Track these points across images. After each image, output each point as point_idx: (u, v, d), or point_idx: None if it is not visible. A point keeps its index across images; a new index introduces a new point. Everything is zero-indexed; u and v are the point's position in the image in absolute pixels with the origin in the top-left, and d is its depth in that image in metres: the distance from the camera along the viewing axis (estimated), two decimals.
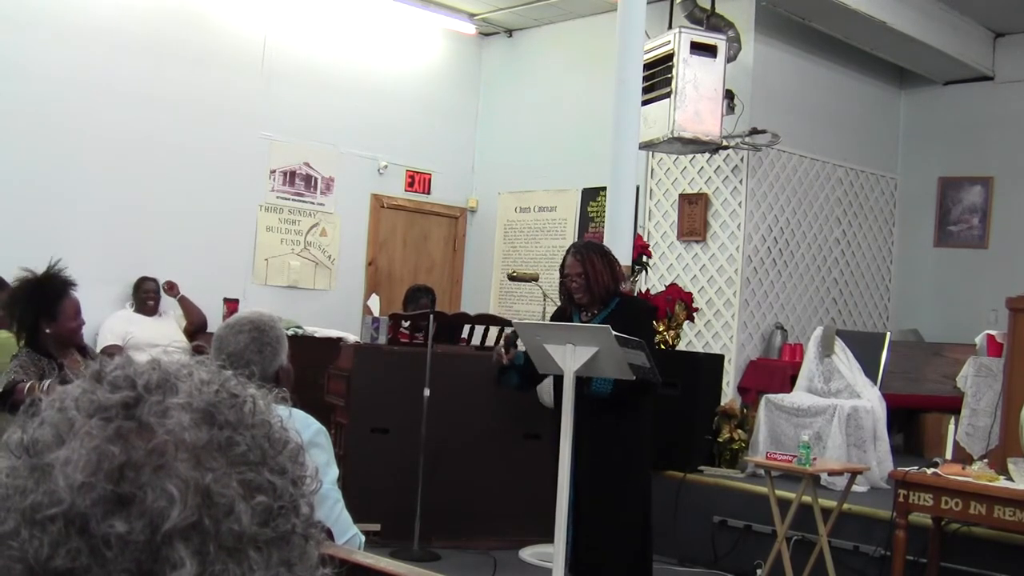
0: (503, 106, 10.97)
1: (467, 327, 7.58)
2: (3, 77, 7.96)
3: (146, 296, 8.30)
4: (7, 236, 7.57)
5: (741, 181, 8.93)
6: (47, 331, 4.69)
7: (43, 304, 4.71)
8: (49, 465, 0.77)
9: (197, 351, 6.90)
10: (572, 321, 5.45)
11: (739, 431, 7.38)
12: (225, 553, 0.78)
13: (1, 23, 7.98)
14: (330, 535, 3.08)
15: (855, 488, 6.19)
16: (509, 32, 11.02)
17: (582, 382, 5.18)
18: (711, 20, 8.55)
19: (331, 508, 3.23)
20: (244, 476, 0.81)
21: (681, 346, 7.89)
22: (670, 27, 8.42)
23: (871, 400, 7.31)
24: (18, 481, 0.78)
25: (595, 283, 5.34)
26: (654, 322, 5.73)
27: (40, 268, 4.79)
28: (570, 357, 5.82)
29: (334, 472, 3.36)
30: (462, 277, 11.11)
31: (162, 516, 0.75)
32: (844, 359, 7.61)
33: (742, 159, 8.88)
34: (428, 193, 10.84)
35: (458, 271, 11.10)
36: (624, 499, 5.28)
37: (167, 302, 8.46)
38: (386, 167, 10.43)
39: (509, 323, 7.40)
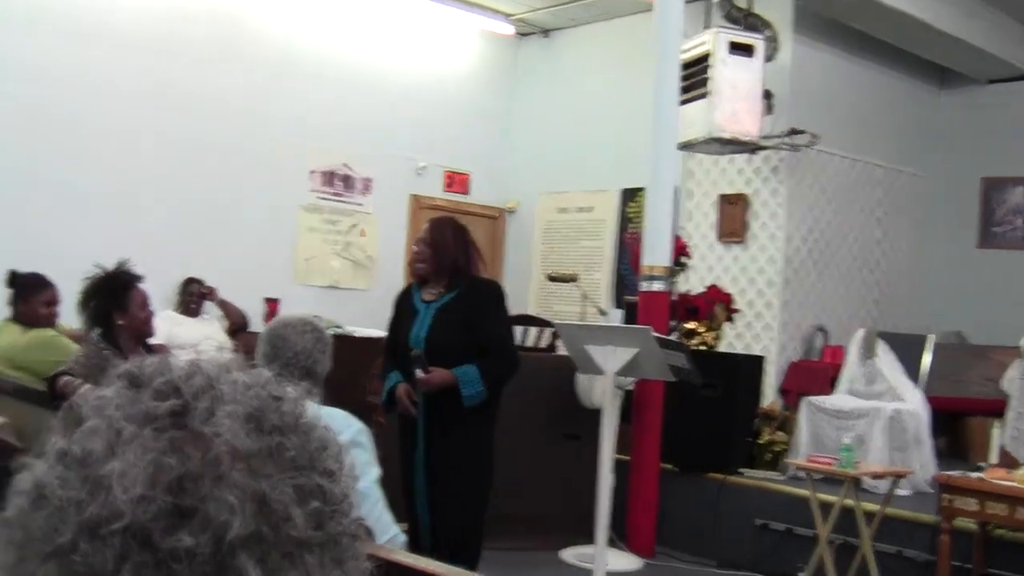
0: (541, 106, 10.97)
1: None
2: (56, 84, 8.03)
3: (190, 298, 8.35)
4: (58, 238, 7.66)
5: (780, 182, 8.88)
6: (120, 323, 4.81)
7: (113, 296, 4.83)
8: (104, 477, 0.76)
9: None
10: (412, 298, 5.23)
11: (780, 433, 7.35)
12: (284, 559, 0.78)
13: (54, 32, 8.05)
14: (371, 534, 3.09)
15: (898, 492, 6.15)
16: (546, 32, 11.02)
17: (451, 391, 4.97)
18: (748, 20, 8.51)
19: (372, 507, 3.24)
20: (296, 481, 0.80)
21: (721, 348, 7.85)
22: (707, 27, 8.39)
23: (914, 403, 7.26)
24: (71, 493, 0.77)
25: (441, 256, 5.14)
26: (504, 302, 5.34)
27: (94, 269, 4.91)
28: (610, 358, 5.83)
29: (375, 471, 3.37)
30: (501, 277, 11.11)
31: (224, 527, 0.75)
32: (886, 361, 7.55)
33: (781, 159, 8.83)
34: (467, 194, 10.86)
35: (497, 272, 11.08)
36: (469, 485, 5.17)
37: (210, 303, 8.53)
38: (424, 168, 10.46)
39: (549, 324, 7.42)
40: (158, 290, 7.97)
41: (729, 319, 7.75)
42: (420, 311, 5.14)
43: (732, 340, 8.72)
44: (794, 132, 8.56)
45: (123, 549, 0.74)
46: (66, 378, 4.52)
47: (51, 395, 4.54)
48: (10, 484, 0.82)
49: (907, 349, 7.75)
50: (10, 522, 0.79)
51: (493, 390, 5.07)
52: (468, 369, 4.95)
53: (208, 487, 0.76)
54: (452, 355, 4.95)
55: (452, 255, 5.13)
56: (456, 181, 10.78)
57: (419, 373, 4.95)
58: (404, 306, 5.28)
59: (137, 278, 4.95)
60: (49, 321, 6.00)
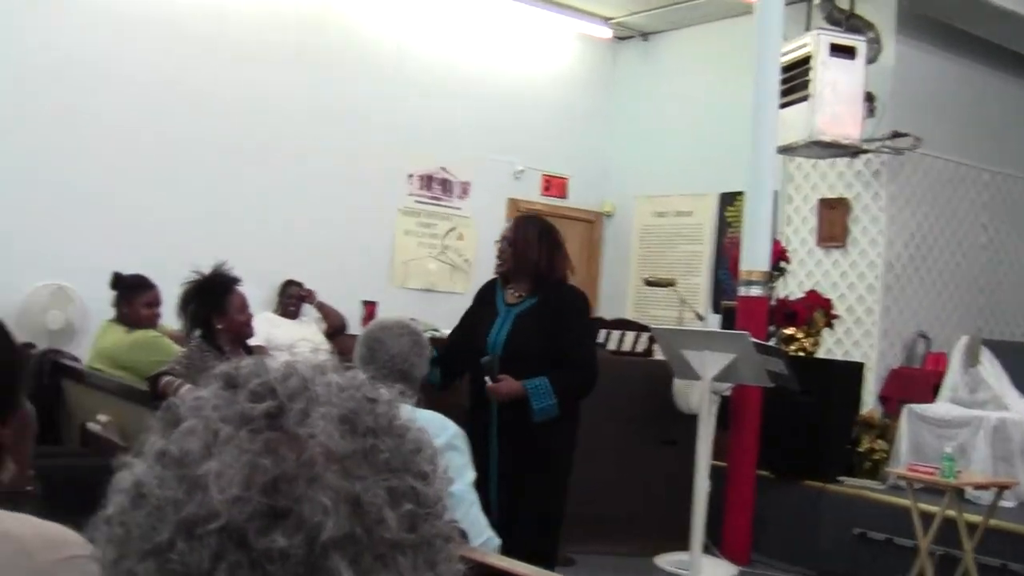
0: (639, 110, 10.94)
1: (603, 332, 7.57)
2: (162, 90, 8.20)
3: (289, 300, 8.47)
4: (161, 241, 7.81)
5: (882, 185, 8.73)
6: (219, 326, 4.91)
7: (212, 299, 4.93)
8: (201, 477, 0.77)
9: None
10: (496, 297, 5.04)
11: (879, 441, 7.24)
12: (377, 561, 0.78)
13: (161, 40, 8.23)
14: (465, 537, 3.10)
15: (1002, 503, 6.01)
16: (645, 36, 10.98)
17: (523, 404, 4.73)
18: (850, 21, 8.40)
19: (467, 510, 3.25)
20: (390, 483, 0.81)
21: (820, 354, 7.75)
22: (808, 29, 8.30)
23: (1020, 412, 7.10)
24: (169, 492, 0.78)
25: (521, 255, 4.92)
26: (587, 312, 5.10)
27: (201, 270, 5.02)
28: (708, 363, 5.80)
29: (471, 475, 3.38)
30: (598, 282, 11.10)
31: (318, 528, 0.76)
32: (991, 369, 7.40)
33: (883, 163, 8.68)
34: (564, 197, 10.86)
35: (594, 276, 11.08)
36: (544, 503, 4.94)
37: (308, 305, 8.64)
38: (522, 171, 10.48)
39: (646, 328, 7.39)
40: (258, 292, 8.12)
41: (828, 325, 7.65)
42: (500, 314, 4.95)
43: (831, 346, 8.59)
44: (896, 135, 8.42)
45: (218, 549, 0.75)
46: (167, 378, 4.62)
47: (152, 395, 4.63)
48: (111, 482, 0.83)
49: (1014, 358, 7.59)
50: (111, 520, 0.81)
51: (566, 403, 4.80)
52: (539, 382, 4.71)
53: (302, 488, 0.77)
54: (530, 364, 4.74)
55: (534, 257, 4.91)
56: (554, 185, 10.79)
57: (488, 381, 4.77)
58: (485, 303, 5.09)
59: (235, 281, 5.03)
60: (151, 322, 6.13)
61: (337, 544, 0.76)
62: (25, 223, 7.61)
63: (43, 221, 7.68)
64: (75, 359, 6.59)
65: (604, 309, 10.36)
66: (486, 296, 5.13)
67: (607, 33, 10.82)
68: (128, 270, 6.42)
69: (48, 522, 1.71)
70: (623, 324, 7.77)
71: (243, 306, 5.07)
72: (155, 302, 6.24)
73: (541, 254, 4.91)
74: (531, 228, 5.02)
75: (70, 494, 1.77)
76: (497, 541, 3.35)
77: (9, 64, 7.59)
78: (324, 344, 8.11)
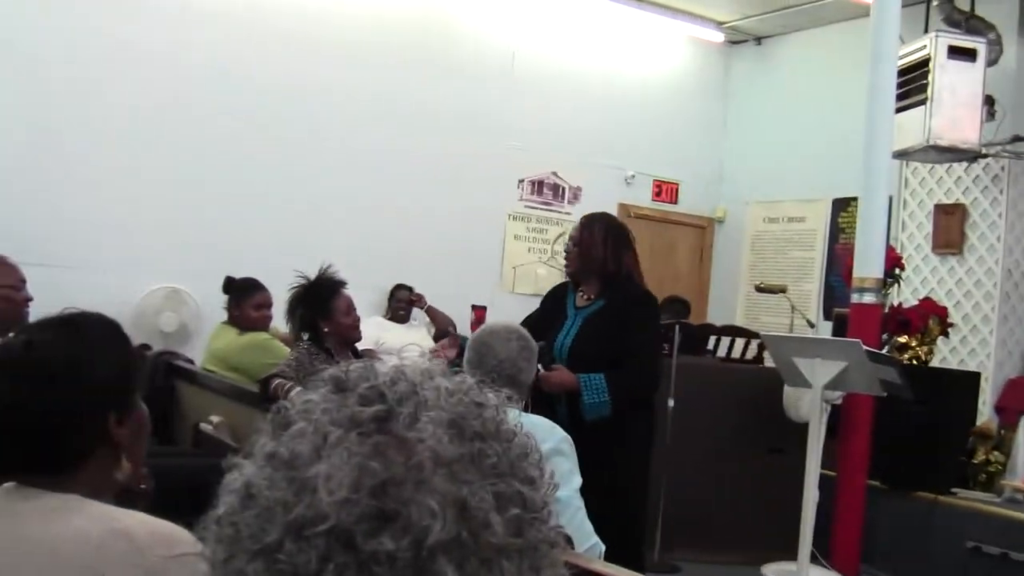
0: (751, 114, 10.85)
1: (713, 338, 7.53)
2: (275, 95, 8.37)
3: (398, 304, 8.57)
4: (276, 244, 7.96)
5: (1001, 191, 8.53)
6: (325, 330, 4.99)
7: (317, 303, 5.02)
8: (310, 479, 0.79)
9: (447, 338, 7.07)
10: (567, 300, 4.93)
11: (995, 453, 7.07)
12: (483, 565, 0.79)
13: (275, 45, 8.39)
14: (570, 543, 3.11)
15: None
16: (758, 40, 10.89)
17: (575, 402, 4.59)
18: (970, 23, 8.22)
19: (572, 516, 3.25)
20: (496, 487, 0.82)
21: (934, 363, 7.60)
22: (926, 31, 8.14)
23: None
24: (278, 493, 0.80)
25: (586, 255, 4.80)
26: (656, 314, 4.91)
27: (310, 274, 5.11)
28: (819, 371, 5.73)
29: (577, 481, 3.38)
30: (708, 288, 11.03)
31: (425, 532, 0.77)
32: None
33: (1003, 168, 8.48)
34: (675, 203, 10.82)
35: (704, 282, 11.01)
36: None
37: (417, 310, 8.72)
38: (633, 177, 10.47)
39: (756, 335, 7.33)
40: (368, 296, 8.24)
41: (943, 333, 7.50)
42: (570, 317, 4.85)
43: (946, 355, 8.43)
44: (1017, 139, 8.22)
45: (326, 550, 0.77)
46: (278, 381, 4.70)
47: (263, 396, 4.71)
48: (222, 482, 0.86)
49: None
50: (221, 520, 0.83)
51: (619, 405, 4.57)
52: (595, 377, 4.54)
53: (410, 492, 0.79)
54: (595, 367, 4.59)
55: (599, 257, 4.78)
56: (664, 190, 10.75)
57: (539, 369, 4.53)
58: (555, 306, 4.99)
59: (340, 284, 5.10)
60: (262, 324, 6.24)
61: (444, 548, 0.77)
62: (141, 226, 7.81)
63: (159, 224, 7.87)
64: (189, 361, 6.72)
65: (714, 315, 10.30)
66: (554, 299, 5.05)
67: (719, 37, 10.75)
68: (242, 274, 6.54)
69: (160, 520, 1.76)
70: (733, 331, 7.72)
71: (349, 309, 5.13)
72: (265, 304, 6.34)
73: (607, 254, 4.78)
74: (597, 227, 4.88)
75: (182, 493, 1.82)
76: (602, 547, 3.35)
77: (129, 69, 7.79)
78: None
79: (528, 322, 4.94)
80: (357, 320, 5.24)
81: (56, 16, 7.54)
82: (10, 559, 1.76)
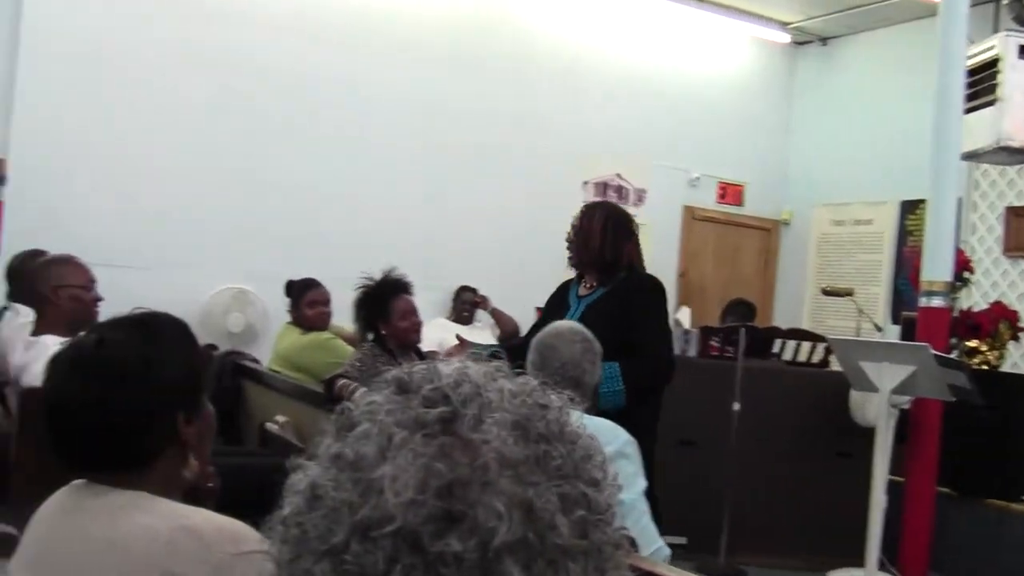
0: (817, 116, 10.76)
1: (778, 342, 7.47)
2: (340, 95, 8.44)
3: (463, 306, 8.59)
4: (343, 247, 8.02)
5: None
6: (383, 332, 5.04)
7: (377, 305, 5.07)
8: (376, 481, 0.80)
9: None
10: (569, 291, 4.82)
11: None
12: (548, 567, 0.79)
13: (343, 45, 8.46)
14: (635, 546, 3.10)
15: None
16: (824, 40, 10.80)
17: None
18: None
19: (637, 519, 3.24)
20: (561, 489, 0.82)
21: (1005, 367, 7.49)
22: (995, 31, 8.03)
23: None
24: (344, 495, 0.81)
25: (584, 244, 4.67)
26: (661, 299, 4.68)
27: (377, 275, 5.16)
28: (886, 375, 5.67)
29: (641, 484, 3.37)
30: (774, 291, 10.95)
31: (491, 533, 0.77)
32: None
33: None
34: (740, 205, 10.76)
35: (770, 285, 10.94)
36: None
37: (482, 311, 8.74)
38: (698, 179, 10.42)
39: (822, 338, 7.27)
40: (433, 297, 8.27)
41: (1014, 338, 7.38)
42: (571, 306, 4.72)
43: (1017, 360, 8.30)
44: None
45: (393, 551, 0.77)
46: (342, 381, 4.74)
47: (327, 397, 4.75)
48: (287, 482, 0.87)
49: None
50: (287, 520, 0.84)
51: (634, 394, 4.40)
52: (609, 365, 4.23)
53: (477, 493, 0.79)
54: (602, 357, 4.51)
55: (596, 245, 4.65)
56: (729, 192, 10.69)
57: None
58: (557, 299, 4.90)
59: (400, 287, 5.14)
60: (319, 321, 6.29)
61: (510, 549, 0.77)
62: (209, 227, 7.91)
63: (227, 225, 7.96)
64: (255, 361, 6.79)
65: (780, 318, 10.23)
66: (558, 293, 4.96)
67: (785, 38, 10.68)
68: (309, 275, 6.60)
69: (227, 518, 1.78)
70: (799, 334, 7.66)
71: (406, 312, 5.17)
72: (319, 301, 6.39)
73: (605, 242, 4.64)
74: (596, 215, 4.76)
75: (248, 492, 1.84)
76: (667, 551, 3.34)
77: (195, 71, 7.89)
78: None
79: (537, 323, 4.98)
80: (416, 324, 5.26)
81: (123, 18, 7.65)
82: (79, 555, 1.79)
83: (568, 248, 4.79)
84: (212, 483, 2.30)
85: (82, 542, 1.79)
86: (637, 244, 4.83)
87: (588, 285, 4.74)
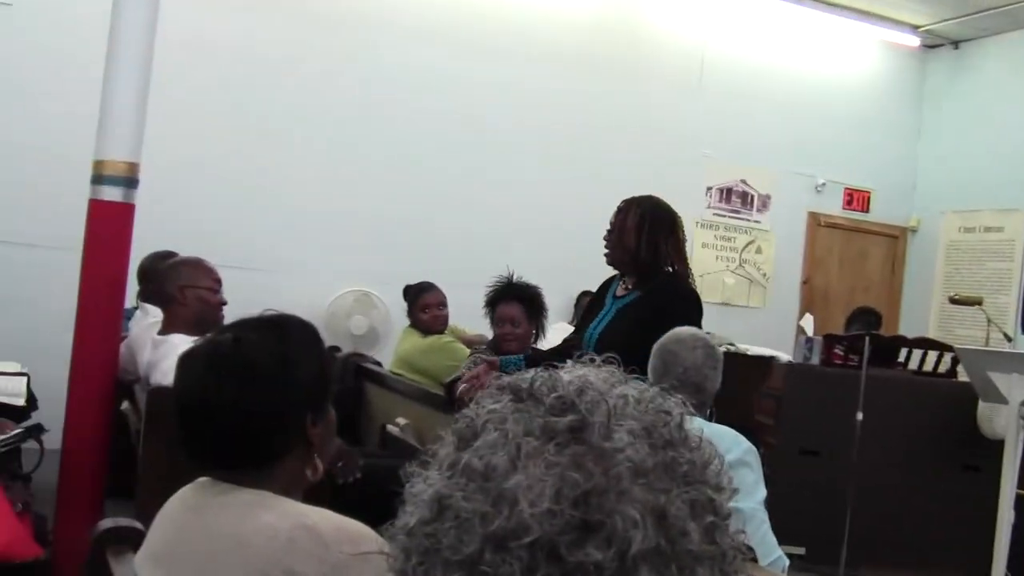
0: (947, 121, 10.55)
1: (904, 351, 7.35)
2: (456, 100, 8.53)
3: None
4: (468, 251, 8.11)
5: None
6: (490, 337, 5.10)
7: (490, 310, 5.16)
8: (508, 491, 0.80)
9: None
10: (608, 290, 4.60)
11: None
12: (680, 573, 0.80)
13: (454, 49, 8.56)
14: (754, 555, 3.09)
15: None
16: (955, 44, 10.58)
17: None
18: None
19: (757, 528, 3.22)
20: (690, 495, 0.82)
21: None
22: None
23: None
24: (475, 505, 0.81)
25: (618, 242, 4.42)
26: (695, 314, 4.31)
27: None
28: (1016, 387, 5.55)
29: (762, 493, 3.35)
30: (900, 299, 10.77)
31: (628, 542, 0.78)
32: None
33: None
34: (867, 211, 10.61)
35: (896, 292, 10.76)
36: None
37: None
38: (824, 185, 10.30)
39: (950, 348, 7.14)
40: (554, 301, 8.25)
41: None
42: (606, 306, 4.53)
43: None
44: None
45: (531, 562, 0.77)
46: (464, 385, 4.78)
47: (448, 400, 4.80)
48: (407, 490, 0.88)
49: None
50: (414, 530, 0.85)
51: None
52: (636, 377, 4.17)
53: (613, 502, 0.79)
54: (625, 361, 4.20)
55: (631, 245, 4.40)
56: (856, 199, 10.55)
57: None
58: (598, 297, 4.69)
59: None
60: (435, 324, 6.35)
61: (645, 557, 0.78)
62: (334, 231, 8.06)
63: (351, 229, 8.11)
64: (377, 363, 6.87)
65: (905, 327, 10.05)
66: (599, 292, 4.76)
67: (915, 41, 10.50)
68: (432, 279, 6.69)
69: (347, 518, 1.81)
70: (926, 343, 7.52)
71: (503, 319, 5.25)
72: (433, 304, 6.45)
73: (640, 242, 4.37)
74: (632, 213, 4.49)
75: (368, 492, 1.87)
76: (786, 561, 3.32)
77: (322, 81, 8.06)
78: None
79: (578, 324, 4.85)
80: (506, 334, 5.31)
81: (254, 25, 7.85)
82: (202, 551, 1.85)
83: (605, 246, 4.54)
84: (352, 478, 2.32)
85: (206, 538, 1.85)
86: (679, 245, 4.51)
87: (625, 286, 4.51)
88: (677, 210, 9.25)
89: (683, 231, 4.55)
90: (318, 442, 1.99)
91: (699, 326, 4.20)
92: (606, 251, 4.53)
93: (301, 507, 1.85)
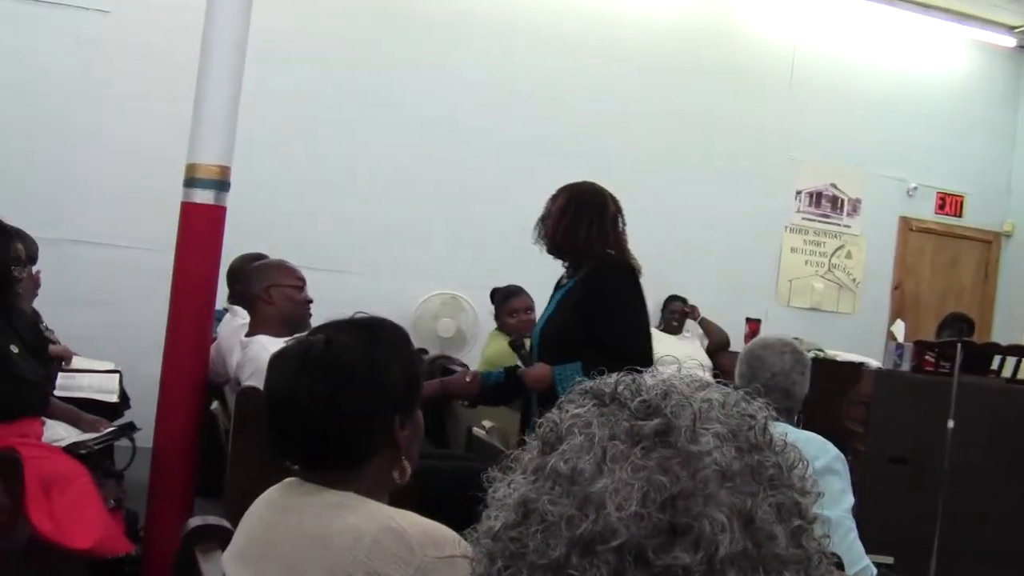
0: None
1: (998, 358, 7.22)
2: (541, 105, 8.56)
3: (671, 316, 8.58)
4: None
5: None
6: None
7: None
8: (594, 494, 0.80)
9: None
10: (559, 283, 4.43)
11: None
12: None
13: (537, 53, 8.60)
14: (840, 564, 3.06)
15: None
16: None
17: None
18: None
19: (843, 536, 3.20)
20: (776, 499, 0.83)
21: None
22: None
23: None
24: (561, 509, 0.81)
25: (549, 228, 4.28)
26: (628, 287, 4.14)
27: None
28: None
29: (849, 500, 3.32)
30: (994, 305, 10.57)
31: (715, 545, 0.78)
32: None
33: None
34: (960, 216, 10.42)
35: (990, 299, 10.56)
36: None
37: (691, 321, 8.70)
38: (915, 189, 10.15)
39: None
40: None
41: None
42: (551, 299, 4.42)
43: None
44: None
45: (618, 565, 0.77)
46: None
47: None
48: (490, 494, 0.88)
49: None
50: (499, 534, 0.85)
51: None
52: (571, 367, 3.97)
53: (700, 505, 0.79)
54: (565, 350, 4.07)
55: (552, 228, 4.28)
56: (949, 203, 10.37)
57: (520, 367, 4.22)
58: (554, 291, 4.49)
59: None
60: (522, 328, 6.36)
61: (733, 560, 0.78)
62: (422, 234, 8.12)
63: (439, 233, 8.16)
64: (463, 365, 6.90)
65: (999, 334, 9.87)
66: (556, 285, 4.54)
67: (1011, 42, 10.29)
68: (521, 282, 6.69)
69: (431, 521, 1.83)
70: (1019, 350, 7.38)
71: None
72: (520, 308, 6.46)
73: (560, 225, 4.25)
74: (561, 197, 4.38)
75: (453, 495, 1.88)
76: (874, 570, 3.28)
77: (408, 85, 8.13)
78: (706, 361, 8.15)
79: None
80: None
81: (346, 31, 7.94)
82: (288, 550, 1.87)
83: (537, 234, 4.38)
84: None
85: (292, 538, 1.87)
86: (608, 227, 4.31)
87: (567, 276, 4.38)
88: (766, 214, 9.22)
89: (616, 213, 4.40)
90: (405, 444, 2.01)
91: (639, 299, 4.18)
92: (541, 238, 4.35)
93: (386, 509, 1.87)
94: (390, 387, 1.97)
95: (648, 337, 4.20)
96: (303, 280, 4.68)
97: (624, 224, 4.43)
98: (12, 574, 4.04)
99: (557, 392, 3.90)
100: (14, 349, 4.11)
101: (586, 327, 4.05)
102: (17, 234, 4.30)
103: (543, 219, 4.36)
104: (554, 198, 4.40)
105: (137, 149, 7.35)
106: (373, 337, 2.00)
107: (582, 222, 4.24)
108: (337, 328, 2.01)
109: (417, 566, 1.74)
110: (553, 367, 4.07)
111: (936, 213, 10.34)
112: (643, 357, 3.88)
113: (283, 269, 4.71)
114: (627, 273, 4.21)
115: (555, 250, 4.32)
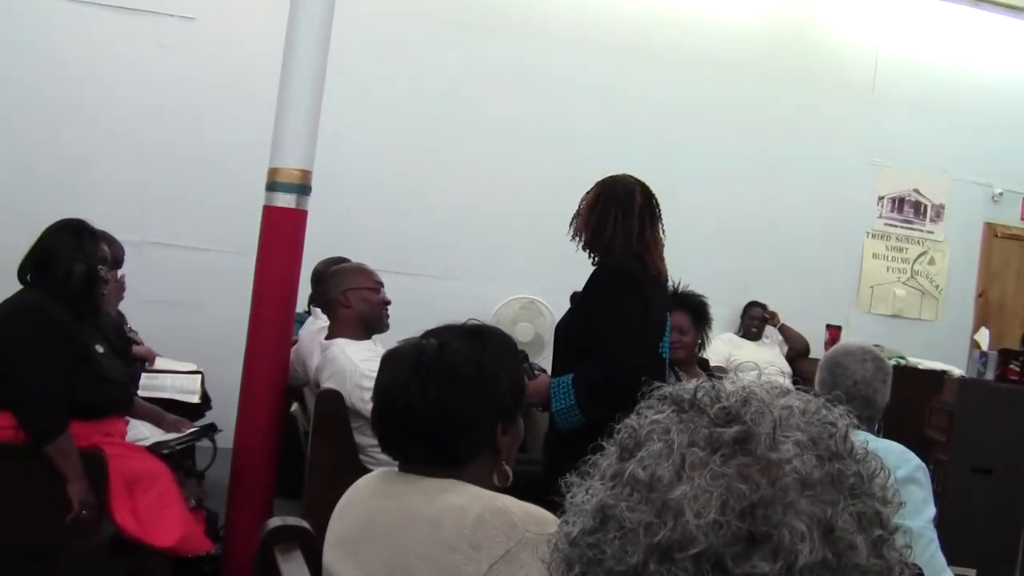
0: None
1: None
2: (620, 109, 8.54)
3: (751, 322, 8.52)
4: None
5: None
6: None
7: None
8: (673, 501, 0.80)
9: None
10: None
11: None
12: None
13: (621, 56, 8.58)
14: (921, 574, 3.02)
15: None
16: None
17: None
18: None
19: (924, 547, 3.16)
20: (857, 508, 0.82)
21: None
22: None
23: None
24: (639, 516, 0.80)
25: (579, 223, 4.18)
26: (623, 289, 3.86)
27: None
28: None
29: (930, 511, 3.28)
30: None
31: (795, 555, 0.77)
32: None
33: None
34: None
35: None
36: None
37: (770, 327, 8.63)
38: (1001, 194, 9.96)
39: None
40: (721, 312, 8.21)
41: None
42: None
43: None
44: None
45: (696, 573, 0.77)
46: None
47: None
48: (569, 500, 0.89)
49: None
50: (576, 540, 0.85)
51: (588, 407, 3.74)
52: (564, 378, 3.84)
53: (780, 514, 0.78)
54: (568, 353, 3.98)
55: (582, 224, 4.17)
56: None
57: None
58: None
59: (670, 302, 5.17)
60: None
61: (812, 570, 0.77)
62: (502, 238, 8.16)
63: (519, 236, 8.17)
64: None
65: None
66: None
67: None
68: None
69: (533, 504, 1.85)
70: None
71: (672, 327, 5.21)
72: None
73: (588, 222, 4.13)
74: (592, 193, 4.23)
75: (531, 500, 1.91)
76: None
77: (503, 89, 8.18)
78: (786, 367, 8.08)
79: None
80: (679, 341, 5.27)
81: (422, 35, 8.00)
82: (391, 530, 1.91)
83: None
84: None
85: (398, 520, 1.91)
86: (639, 221, 4.12)
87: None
88: (847, 220, 9.10)
89: (645, 207, 4.20)
90: (506, 449, 2.07)
91: (637, 304, 3.87)
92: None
93: (488, 491, 1.91)
94: (497, 394, 2.03)
95: (644, 344, 3.92)
96: (380, 283, 4.72)
97: (657, 218, 4.26)
98: (97, 570, 4.11)
99: (552, 406, 3.86)
100: (100, 349, 4.17)
101: (582, 331, 3.91)
102: (104, 237, 4.37)
103: (576, 215, 4.24)
104: (585, 196, 4.26)
105: (221, 152, 7.45)
106: (484, 344, 2.06)
107: (608, 218, 4.07)
108: (449, 333, 2.08)
109: (519, 540, 1.78)
110: (552, 379, 3.95)
111: (1022, 219, 10.16)
112: (633, 363, 3.63)
113: (360, 272, 4.75)
114: (625, 276, 3.95)
115: (586, 248, 4.19)
